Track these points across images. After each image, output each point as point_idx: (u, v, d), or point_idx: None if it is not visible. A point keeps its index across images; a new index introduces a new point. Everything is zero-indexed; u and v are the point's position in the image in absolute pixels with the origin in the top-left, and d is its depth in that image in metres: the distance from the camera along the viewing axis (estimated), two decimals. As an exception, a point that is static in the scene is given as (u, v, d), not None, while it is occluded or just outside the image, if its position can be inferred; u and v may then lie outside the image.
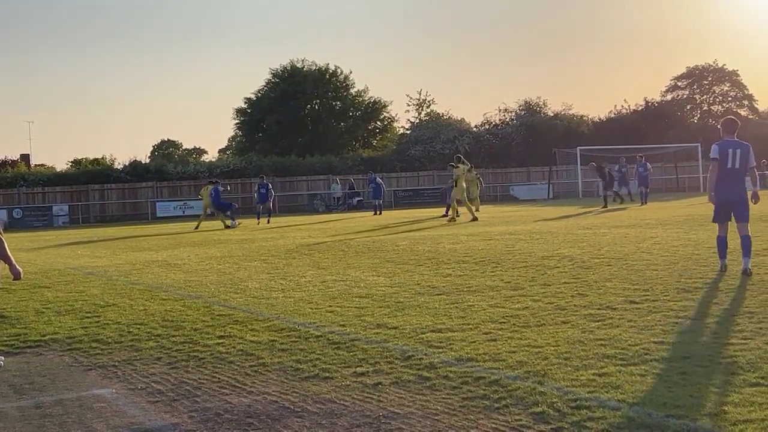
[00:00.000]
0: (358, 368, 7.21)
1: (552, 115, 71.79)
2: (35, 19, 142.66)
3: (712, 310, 8.93)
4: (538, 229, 22.19)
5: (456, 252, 16.33)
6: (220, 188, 36.07)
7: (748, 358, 6.72)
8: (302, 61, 74.46)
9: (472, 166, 33.76)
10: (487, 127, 71.89)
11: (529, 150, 64.88)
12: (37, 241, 29.48)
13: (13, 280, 8.69)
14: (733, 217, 11.94)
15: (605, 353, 7.18)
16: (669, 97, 78.05)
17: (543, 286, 11.30)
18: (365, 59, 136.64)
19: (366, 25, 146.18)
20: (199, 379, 7.22)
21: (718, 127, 12.41)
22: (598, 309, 9.32)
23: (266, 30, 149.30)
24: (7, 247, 8.47)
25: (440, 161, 62.14)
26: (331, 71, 75.01)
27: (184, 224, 36.97)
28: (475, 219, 28.68)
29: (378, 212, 40.79)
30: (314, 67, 74.43)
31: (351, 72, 76.49)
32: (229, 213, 35.10)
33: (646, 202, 36.45)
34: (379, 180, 42.69)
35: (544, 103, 72.67)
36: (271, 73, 74.06)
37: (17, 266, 8.51)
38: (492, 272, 13.01)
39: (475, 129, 71.30)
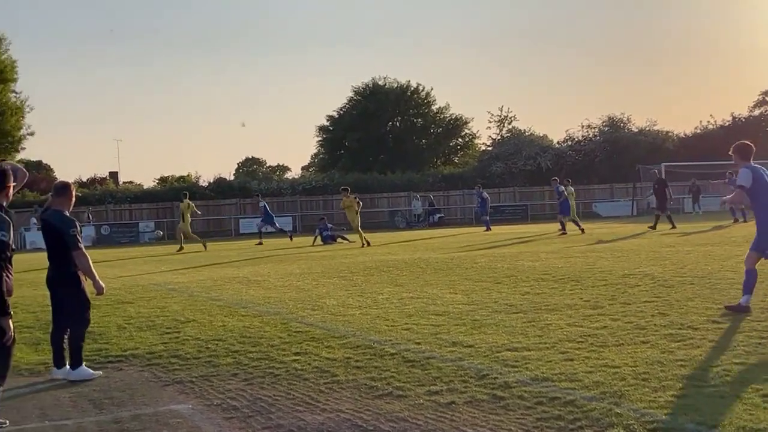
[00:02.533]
0: (432, 387, 7.19)
1: (636, 131, 70.76)
2: (122, 41, 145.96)
3: (798, 330, 8.69)
4: (620, 246, 21.88)
5: (535, 269, 16.19)
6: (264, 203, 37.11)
7: (837, 382, 6.52)
8: (384, 78, 74.95)
9: (352, 195, 33.00)
10: (569, 143, 71.17)
11: (613, 166, 64.00)
12: (123, 257, 30.11)
13: (96, 295, 8.93)
14: None
15: (685, 374, 7.04)
16: (757, 112, 76.36)
17: (623, 305, 11.12)
18: (447, 76, 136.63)
19: (448, 42, 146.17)
20: (274, 395, 7.27)
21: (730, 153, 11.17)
22: (679, 329, 9.14)
23: (349, 48, 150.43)
24: (91, 263, 8.67)
25: (522, 178, 61.78)
26: (412, 88, 75.34)
27: (266, 241, 37.24)
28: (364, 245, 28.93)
29: (487, 228, 39.59)
30: (396, 85, 74.85)
31: (432, 89, 76.60)
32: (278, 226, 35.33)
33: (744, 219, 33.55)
34: (485, 194, 41.88)
35: (628, 119, 71.68)
36: (353, 91, 74.66)
37: (100, 282, 8.72)
38: (571, 290, 12.85)
39: (557, 145, 70.69)
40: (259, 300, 13.70)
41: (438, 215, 55.61)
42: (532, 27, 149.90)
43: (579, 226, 31.64)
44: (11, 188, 7.21)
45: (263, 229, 38.57)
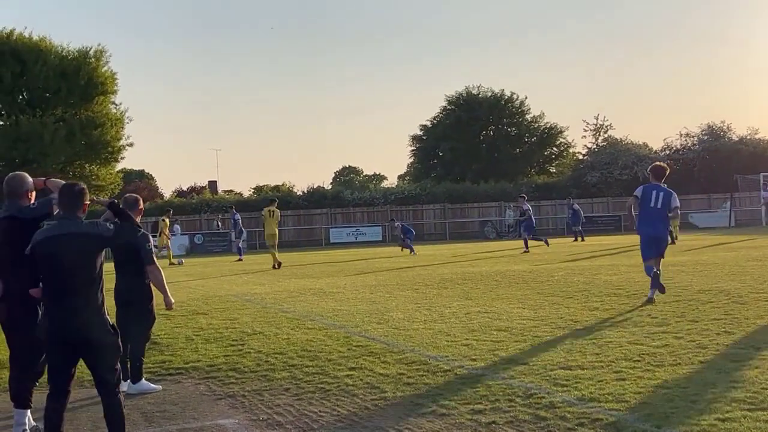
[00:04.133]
0: (477, 405, 7.17)
1: (737, 139, 69.10)
2: (217, 49, 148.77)
3: None
4: (704, 259, 21.40)
5: (611, 284, 15.94)
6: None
7: None
8: (477, 87, 74.76)
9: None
10: (667, 152, 69.85)
11: (711, 176, 62.58)
12: (211, 267, 30.66)
13: (166, 309, 9.15)
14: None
15: (735, 396, 6.87)
16: None
17: (691, 322, 10.89)
18: (542, 85, 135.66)
19: (543, 50, 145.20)
20: (320, 411, 7.34)
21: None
22: (742, 348, 8.92)
23: (444, 57, 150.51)
24: (164, 278, 8.90)
25: (617, 188, 60.86)
26: (506, 97, 74.97)
27: (354, 251, 37.50)
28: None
29: (579, 238, 40.08)
30: (489, 94, 74.57)
31: (526, 97, 76.17)
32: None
33: None
34: (576, 206, 41.94)
35: (728, 127, 70.03)
36: (447, 100, 74.64)
37: (170, 297, 8.93)
38: (641, 306, 12.63)
39: (654, 154, 69.45)
40: (329, 312, 13.82)
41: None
42: (629, 34, 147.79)
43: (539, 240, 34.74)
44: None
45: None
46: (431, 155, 75.74)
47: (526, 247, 32.18)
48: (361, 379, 8.49)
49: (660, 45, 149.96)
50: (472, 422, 6.68)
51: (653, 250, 13.76)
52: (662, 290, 13.40)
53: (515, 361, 8.91)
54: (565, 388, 7.55)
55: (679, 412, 6.51)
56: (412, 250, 33.49)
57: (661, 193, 13.84)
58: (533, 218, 33.62)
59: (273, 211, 27.93)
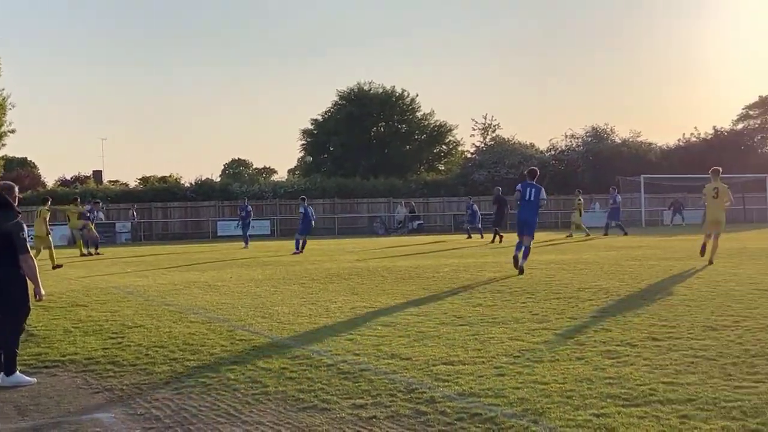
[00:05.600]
0: (358, 400, 7.16)
1: (619, 141, 70.95)
2: (108, 37, 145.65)
3: (733, 350, 8.68)
4: (585, 258, 21.93)
5: (494, 281, 16.19)
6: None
7: (753, 403, 6.52)
8: (369, 83, 74.97)
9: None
10: (552, 152, 71.30)
11: (595, 177, 64.12)
12: (94, 258, 29.98)
13: (36, 300, 8.87)
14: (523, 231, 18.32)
15: (610, 392, 7.03)
16: (740, 126, 76.64)
17: (569, 319, 11.13)
18: (432, 82, 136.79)
19: (434, 49, 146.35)
20: (200, 406, 7.23)
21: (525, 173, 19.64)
22: (618, 345, 9.14)
23: (335, 51, 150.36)
24: (37, 269, 8.66)
25: (504, 186, 61.79)
26: (397, 94, 75.38)
27: (242, 244, 37.14)
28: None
29: (472, 236, 40.85)
30: (381, 90, 74.85)
31: (417, 95, 76.71)
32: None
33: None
34: (475, 207, 42.75)
35: (611, 130, 71.87)
36: (338, 95, 74.67)
37: (42, 288, 8.69)
38: (523, 303, 12.86)
39: (540, 154, 70.77)
40: (212, 306, 13.67)
41: (417, 222, 55.61)
42: (518, 35, 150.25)
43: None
44: None
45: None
46: (322, 150, 75.71)
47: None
48: (243, 374, 8.40)
49: (549, 47, 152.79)
50: (353, 417, 6.67)
51: (525, 230, 18.26)
52: (520, 268, 17.66)
53: (398, 356, 8.95)
54: (446, 383, 7.61)
55: (556, 408, 6.62)
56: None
57: (533, 189, 18.40)
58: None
59: (41, 211, 25.47)
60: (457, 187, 62.90)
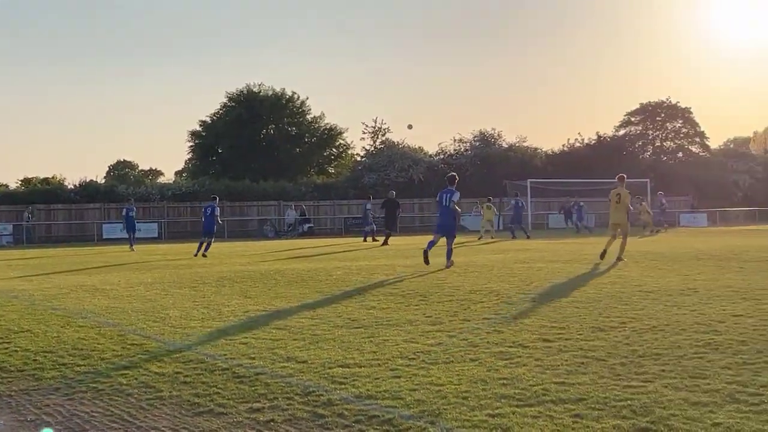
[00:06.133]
0: (255, 404, 7.11)
1: (506, 146, 72.25)
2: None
3: (621, 350, 8.91)
4: (474, 261, 22.23)
5: (387, 283, 16.29)
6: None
7: (642, 402, 6.70)
8: (259, 85, 74.56)
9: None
10: (441, 156, 72.14)
11: (483, 181, 65.07)
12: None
13: None
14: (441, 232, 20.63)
15: (504, 393, 7.14)
16: (622, 132, 78.88)
17: (462, 321, 11.26)
18: (322, 85, 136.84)
19: (325, 52, 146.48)
20: (92, 411, 7.07)
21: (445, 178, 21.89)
22: (510, 346, 9.29)
23: (225, 53, 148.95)
24: None
25: (394, 189, 62.23)
26: (287, 96, 75.19)
27: (128, 247, 36.47)
28: None
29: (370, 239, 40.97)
30: (271, 92, 74.50)
31: (308, 98, 76.64)
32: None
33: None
34: (369, 207, 43.05)
35: (498, 135, 73.17)
36: (227, 97, 74.01)
37: None
38: (416, 306, 12.96)
39: (429, 158, 71.51)
40: (101, 310, 13.39)
41: (308, 225, 55.54)
42: (408, 40, 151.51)
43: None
44: None
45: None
46: (210, 152, 74.88)
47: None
48: (136, 378, 8.25)
49: (438, 52, 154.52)
50: (251, 420, 6.63)
51: (443, 232, 20.57)
52: (423, 259, 19.94)
53: (294, 359, 8.92)
54: (342, 386, 7.62)
55: (452, 409, 6.70)
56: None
57: (449, 195, 20.30)
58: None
59: None
60: (347, 190, 63.08)
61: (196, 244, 30.99)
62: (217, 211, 31.04)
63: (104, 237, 50.54)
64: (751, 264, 19.36)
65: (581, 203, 51.32)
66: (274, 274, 19.21)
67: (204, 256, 28.89)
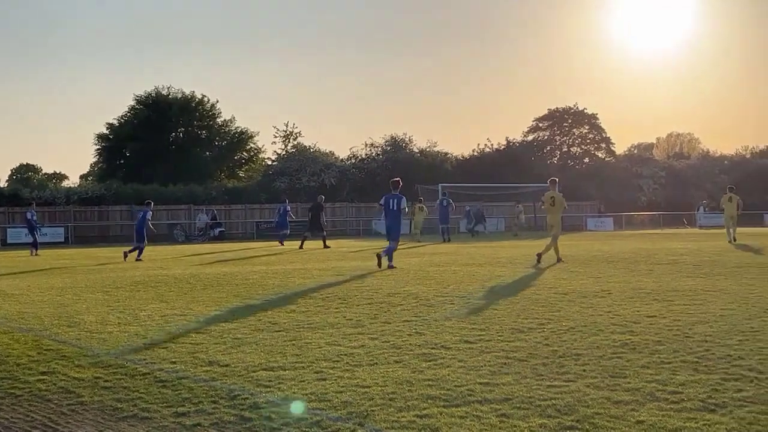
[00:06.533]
0: (180, 408, 7.02)
1: (417, 151, 72.78)
2: None
3: (541, 351, 9.05)
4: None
5: (305, 287, 16.25)
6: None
7: (566, 401, 6.81)
8: (168, 88, 73.60)
9: None
10: (353, 161, 72.28)
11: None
12: None
13: None
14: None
15: (430, 394, 7.18)
16: (530, 137, 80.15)
17: (383, 323, 11.30)
18: (233, 89, 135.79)
19: (235, 55, 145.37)
20: (11, 418, 6.90)
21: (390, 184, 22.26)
22: (433, 348, 9.35)
23: (133, 55, 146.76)
24: None
25: (305, 194, 62.14)
26: (197, 99, 74.39)
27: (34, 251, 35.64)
28: None
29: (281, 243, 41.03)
30: (180, 95, 73.63)
31: (218, 101, 75.99)
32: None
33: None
34: (284, 209, 42.65)
35: (409, 140, 73.64)
36: (135, 100, 72.89)
37: None
38: (336, 309, 12.96)
39: (341, 163, 71.61)
40: (13, 315, 13.06)
41: (219, 229, 55.07)
42: (320, 45, 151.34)
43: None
44: None
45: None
46: (118, 155, 73.62)
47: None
48: (55, 384, 8.07)
49: (352, 57, 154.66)
50: (176, 425, 6.54)
51: (390, 235, 21.62)
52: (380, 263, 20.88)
53: (216, 363, 8.83)
54: (268, 389, 7.57)
55: (380, 410, 6.71)
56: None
57: (395, 200, 21.33)
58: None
59: None
60: (258, 195, 62.73)
61: (106, 248, 30.61)
62: (149, 215, 30.66)
63: (9, 242, 49.29)
64: (660, 266, 19.85)
65: (480, 207, 52.89)
66: (189, 279, 19.00)
67: (138, 259, 28.99)
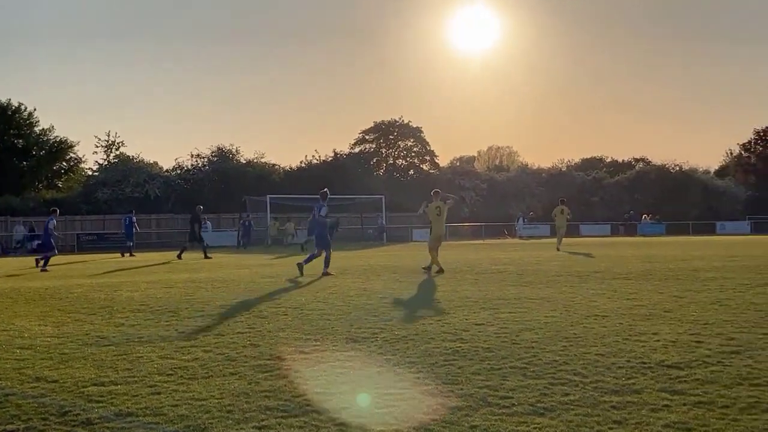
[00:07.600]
0: (8, 426, 6.76)
1: (245, 162, 72.41)
2: None
3: (376, 360, 9.20)
4: (221, 277, 22.10)
5: (133, 300, 15.89)
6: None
7: (402, 409, 6.94)
8: (-19, 96, 70.54)
9: None
10: (178, 171, 71.21)
11: (222, 196, 64.90)
12: None
13: None
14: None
15: (268, 405, 7.18)
16: (357, 149, 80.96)
17: (217, 336, 11.20)
18: (53, 97, 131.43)
19: (56, 62, 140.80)
20: None
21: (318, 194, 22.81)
22: (268, 359, 9.34)
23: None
24: None
25: (129, 205, 60.75)
26: (14, 107, 71.60)
27: None
28: None
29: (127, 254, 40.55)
30: (-6, 103, 70.81)
31: (35, 109, 73.36)
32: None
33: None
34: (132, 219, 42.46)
35: (237, 150, 73.20)
36: (-55, 106, 69.58)
37: None
38: (167, 322, 12.74)
39: (166, 173, 70.43)
40: None
41: (37, 242, 53.08)
42: (145, 51, 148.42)
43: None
44: None
45: None
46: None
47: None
48: None
49: (175, 68, 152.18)
50: (5, 444, 6.33)
51: (318, 243, 22.58)
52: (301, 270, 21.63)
53: (44, 379, 8.55)
54: (100, 404, 7.39)
55: (218, 423, 6.66)
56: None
57: (317, 209, 22.19)
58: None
59: None
60: (79, 206, 60.92)
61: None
62: (52, 224, 30.09)
63: None
64: (485, 276, 20.44)
65: (250, 221, 53.62)
66: (10, 292, 18.26)
67: (45, 270, 28.26)
